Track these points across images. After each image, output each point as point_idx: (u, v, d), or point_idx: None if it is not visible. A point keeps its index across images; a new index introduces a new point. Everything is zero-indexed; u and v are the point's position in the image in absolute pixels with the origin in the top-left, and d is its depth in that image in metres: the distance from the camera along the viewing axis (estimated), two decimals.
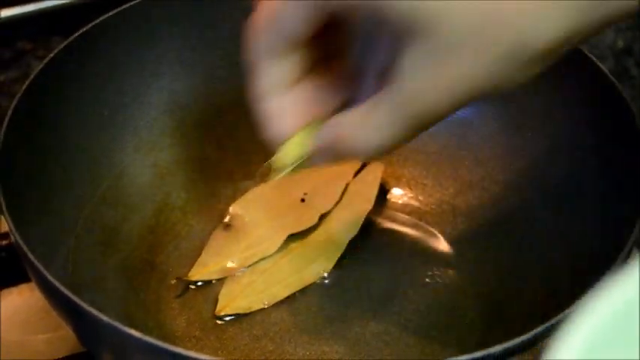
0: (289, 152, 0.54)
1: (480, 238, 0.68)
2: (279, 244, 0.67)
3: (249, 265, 0.66)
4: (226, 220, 0.69)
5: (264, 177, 0.55)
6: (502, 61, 0.45)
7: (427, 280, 0.66)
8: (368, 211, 0.69)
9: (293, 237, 0.68)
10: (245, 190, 0.70)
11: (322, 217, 0.69)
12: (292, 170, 0.54)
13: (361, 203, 0.69)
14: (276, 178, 0.55)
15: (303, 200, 0.70)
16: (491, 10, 0.44)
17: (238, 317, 0.64)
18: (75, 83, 0.65)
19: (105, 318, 0.49)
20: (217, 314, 0.63)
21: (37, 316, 0.66)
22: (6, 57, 0.87)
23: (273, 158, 0.54)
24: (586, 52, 0.63)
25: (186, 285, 0.65)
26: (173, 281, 0.65)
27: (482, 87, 0.46)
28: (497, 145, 0.69)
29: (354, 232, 0.68)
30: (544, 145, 0.66)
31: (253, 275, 0.66)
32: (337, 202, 0.70)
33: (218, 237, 0.68)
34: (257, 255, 0.66)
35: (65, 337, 0.63)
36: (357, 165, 0.71)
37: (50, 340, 0.65)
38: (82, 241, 0.62)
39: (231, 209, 0.70)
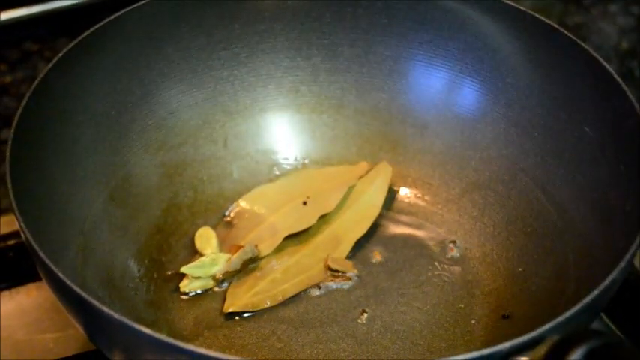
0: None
1: (487, 237, 0.68)
2: (275, 246, 0.67)
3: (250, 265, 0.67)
4: (228, 217, 0.70)
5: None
6: None
7: (434, 279, 0.66)
8: (376, 215, 0.69)
9: (300, 237, 0.68)
10: (251, 189, 0.71)
11: (324, 217, 0.69)
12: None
13: (369, 207, 0.70)
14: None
15: (305, 203, 0.70)
16: None
17: (246, 316, 0.64)
18: (82, 83, 0.65)
19: (115, 314, 0.49)
20: (225, 311, 0.64)
21: (46, 315, 0.66)
22: (13, 58, 0.87)
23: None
24: (592, 53, 0.64)
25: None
26: (169, 272, 0.66)
27: None
28: (503, 145, 0.69)
29: (360, 233, 0.68)
30: (549, 145, 0.67)
31: (261, 274, 0.66)
32: (341, 204, 0.70)
33: (219, 234, 0.69)
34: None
35: (74, 335, 0.64)
36: (362, 170, 0.71)
37: (59, 338, 0.65)
38: (91, 240, 0.62)
39: (233, 206, 0.70)
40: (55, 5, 0.87)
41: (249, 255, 0.66)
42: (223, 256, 0.66)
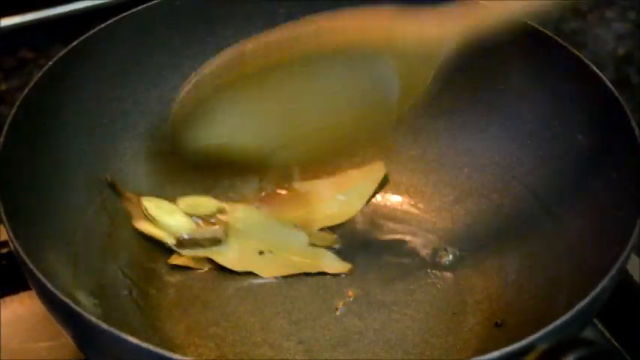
0: None
1: (480, 245, 0.68)
2: None
3: None
4: None
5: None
6: None
7: (426, 286, 0.66)
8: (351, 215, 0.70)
9: None
10: (245, 199, 0.71)
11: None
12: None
13: (347, 204, 0.70)
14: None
15: None
16: None
17: (238, 325, 0.64)
18: (75, 91, 0.65)
19: (104, 325, 0.49)
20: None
21: (39, 323, 0.66)
22: (8, 66, 0.87)
23: None
24: (585, 60, 0.63)
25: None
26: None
27: None
28: (495, 151, 0.69)
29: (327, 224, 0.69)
30: (542, 152, 0.67)
31: None
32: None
33: None
34: None
35: (67, 344, 0.63)
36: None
37: (52, 347, 0.65)
38: (81, 248, 0.62)
39: None
40: (51, 13, 0.87)
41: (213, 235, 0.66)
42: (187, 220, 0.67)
